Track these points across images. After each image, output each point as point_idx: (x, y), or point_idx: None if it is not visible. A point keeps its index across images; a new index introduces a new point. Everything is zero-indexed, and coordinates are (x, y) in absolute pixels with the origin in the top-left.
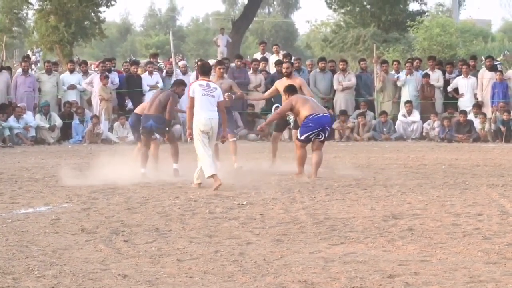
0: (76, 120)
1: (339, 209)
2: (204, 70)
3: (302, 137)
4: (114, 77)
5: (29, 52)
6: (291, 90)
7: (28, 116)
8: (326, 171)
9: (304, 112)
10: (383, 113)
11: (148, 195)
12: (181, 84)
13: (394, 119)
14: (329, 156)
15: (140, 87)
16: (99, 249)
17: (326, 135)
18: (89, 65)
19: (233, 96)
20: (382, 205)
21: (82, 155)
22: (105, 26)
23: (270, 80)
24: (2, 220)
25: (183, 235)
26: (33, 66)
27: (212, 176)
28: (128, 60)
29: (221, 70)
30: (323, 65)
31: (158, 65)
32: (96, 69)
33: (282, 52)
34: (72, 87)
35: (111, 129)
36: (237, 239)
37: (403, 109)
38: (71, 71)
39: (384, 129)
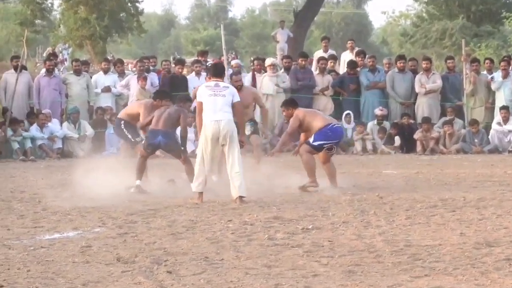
0: (110, 129)
1: (423, 235)
2: (216, 72)
3: (316, 143)
4: (154, 78)
5: (55, 49)
6: (293, 103)
7: (54, 124)
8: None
9: (317, 125)
10: (474, 121)
11: (195, 218)
12: (187, 100)
13: (487, 128)
14: (410, 172)
15: (185, 90)
16: (137, 281)
17: (335, 149)
18: (125, 64)
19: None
20: (473, 230)
21: (117, 170)
22: (144, 19)
23: (339, 82)
24: (23, 248)
25: (238, 265)
26: (59, 65)
27: (196, 194)
28: (172, 58)
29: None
30: (402, 64)
31: (207, 64)
32: (134, 69)
33: (356, 49)
34: (105, 90)
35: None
36: (301, 270)
37: (498, 116)
38: (105, 71)
39: (476, 140)
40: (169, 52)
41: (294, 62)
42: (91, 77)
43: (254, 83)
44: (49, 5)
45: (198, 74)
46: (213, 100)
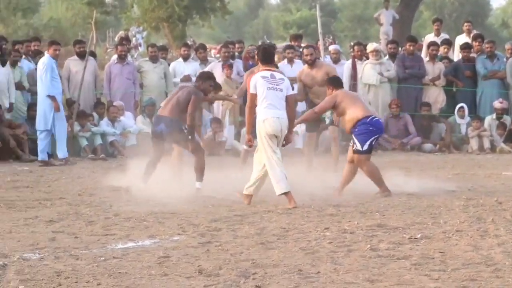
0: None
1: None
2: (266, 57)
3: (366, 146)
4: (240, 66)
5: (128, 33)
6: (335, 82)
7: (127, 118)
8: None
9: (355, 113)
10: None
11: (288, 225)
12: (208, 78)
13: None
14: None
15: None
16: None
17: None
18: (208, 50)
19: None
20: None
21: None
22: None
23: (452, 70)
24: (92, 258)
25: (336, 280)
26: (132, 51)
27: (284, 194)
28: (261, 43)
29: (308, 57)
30: None
31: (300, 50)
32: (218, 55)
33: (473, 32)
34: (185, 79)
35: (238, 136)
36: (409, 285)
37: None
38: (185, 58)
39: None
40: (257, 36)
41: (401, 48)
42: (169, 65)
43: (354, 71)
44: None
45: (290, 61)
46: (273, 95)
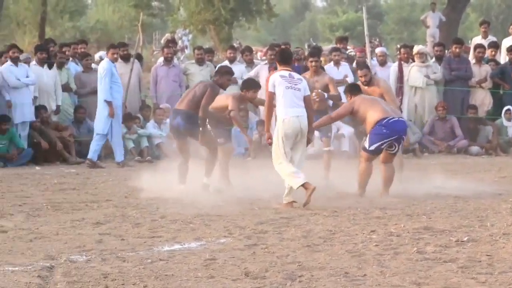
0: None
1: None
2: (284, 58)
3: (373, 147)
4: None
5: (174, 36)
6: (353, 90)
7: None
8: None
9: (373, 115)
10: None
11: (334, 228)
12: (226, 73)
13: None
14: None
15: None
16: None
17: (400, 146)
18: (254, 52)
19: (325, 95)
20: None
21: (245, 173)
22: (275, 1)
23: (499, 72)
24: (139, 260)
25: (382, 282)
26: (179, 53)
27: (302, 185)
28: (307, 46)
29: (313, 63)
30: None
31: (347, 52)
32: (264, 58)
33: None
34: (231, 81)
35: None
36: None
37: None
38: (231, 60)
39: None
40: (304, 38)
41: (448, 50)
42: (215, 67)
43: (400, 74)
44: None
45: (337, 63)
46: (292, 94)
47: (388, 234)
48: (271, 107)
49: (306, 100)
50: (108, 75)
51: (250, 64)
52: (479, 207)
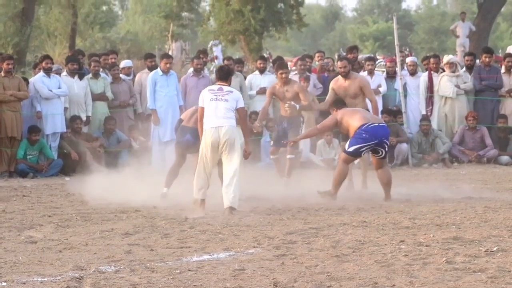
0: (266, 137)
1: None
2: (221, 75)
3: (351, 149)
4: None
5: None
6: (338, 103)
7: None
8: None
9: (355, 122)
10: None
11: (363, 238)
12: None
13: None
14: None
15: None
16: None
17: (386, 150)
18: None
19: (297, 106)
20: None
21: (274, 183)
22: (306, 11)
23: None
24: (168, 270)
25: None
26: (209, 64)
27: (197, 201)
28: (337, 56)
29: (283, 75)
30: None
31: (377, 62)
32: (294, 68)
33: None
34: (261, 92)
35: (313, 148)
36: None
37: None
38: (261, 71)
39: None
40: (334, 48)
41: (478, 60)
42: (245, 78)
43: (430, 83)
44: None
45: (370, 73)
46: (215, 105)
47: (417, 244)
48: (202, 121)
49: (239, 112)
50: (152, 84)
51: None
52: (509, 217)
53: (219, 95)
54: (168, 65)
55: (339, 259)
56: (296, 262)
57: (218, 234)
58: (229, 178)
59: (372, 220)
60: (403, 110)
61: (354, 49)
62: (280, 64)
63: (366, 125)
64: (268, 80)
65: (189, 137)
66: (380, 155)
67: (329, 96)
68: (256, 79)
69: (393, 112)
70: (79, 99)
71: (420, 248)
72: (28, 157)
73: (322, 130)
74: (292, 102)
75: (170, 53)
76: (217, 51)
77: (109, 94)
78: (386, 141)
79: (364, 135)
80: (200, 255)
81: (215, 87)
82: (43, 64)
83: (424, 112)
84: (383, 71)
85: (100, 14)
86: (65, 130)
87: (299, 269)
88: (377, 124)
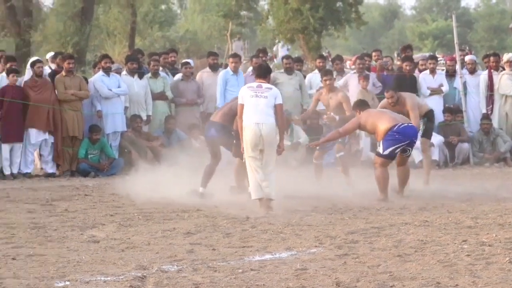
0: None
1: None
2: (260, 73)
3: (386, 152)
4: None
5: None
6: (360, 105)
7: None
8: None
9: (384, 124)
10: None
11: (425, 238)
12: None
13: None
14: None
15: (414, 90)
16: None
17: (412, 150)
18: (343, 61)
19: (336, 117)
20: None
21: (334, 183)
22: (364, 9)
23: None
24: (230, 270)
25: None
26: (268, 62)
27: (258, 199)
28: (396, 54)
29: (327, 82)
30: None
31: (437, 60)
32: (353, 66)
33: None
34: None
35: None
36: None
37: None
38: (320, 69)
39: None
40: (393, 47)
41: None
42: (304, 77)
43: (490, 82)
44: None
45: (432, 72)
46: (255, 102)
47: (480, 244)
48: (241, 118)
49: (277, 109)
50: (222, 82)
51: (340, 72)
52: None
53: (259, 92)
54: (234, 65)
55: (402, 258)
56: (358, 262)
57: (280, 233)
58: (266, 175)
59: (434, 219)
60: (463, 108)
61: (408, 48)
62: (324, 71)
63: (397, 126)
64: None
65: (213, 132)
66: (407, 154)
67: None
68: (316, 78)
69: (453, 111)
70: (139, 98)
71: (482, 247)
72: (89, 156)
73: (344, 134)
74: (332, 113)
75: (230, 52)
76: (282, 51)
77: (169, 94)
78: (415, 140)
79: (396, 136)
80: (262, 255)
81: (254, 84)
82: (102, 63)
83: (484, 111)
84: (443, 70)
85: (159, 13)
86: (125, 129)
87: (362, 268)
88: (406, 124)
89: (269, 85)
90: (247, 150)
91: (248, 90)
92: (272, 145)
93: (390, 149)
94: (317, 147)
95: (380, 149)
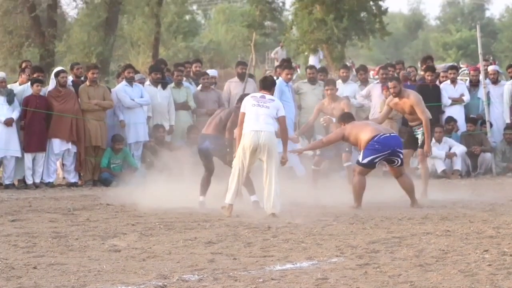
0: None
1: None
2: (265, 85)
3: (365, 160)
4: None
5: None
6: (345, 118)
7: None
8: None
9: (366, 135)
10: None
11: (447, 247)
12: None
13: None
14: None
15: (437, 100)
16: None
17: (401, 159)
18: (367, 71)
19: (333, 119)
20: None
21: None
22: (388, 19)
23: None
24: (251, 280)
25: None
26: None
27: (226, 205)
28: (420, 64)
29: (329, 92)
30: None
31: (460, 71)
32: (376, 76)
33: None
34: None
35: None
36: None
37: None
38: (344, 79)
39: None
40: (416, 57)
41: None
42: None
43: None
44: (280, 4)
45: (453, 82)
46: (256, 110)
47: (501, 253)
48: (242, 126)
49: (280, 121)
50: (277, 93)
51: (364, 82)
52: None
53: (261, 102)
54: (289, 76)
55: (423, 268)
56: (379, 272)
57: (301, 243)
58: (267, 186)
59: (455, 229)
60: (486, 119)
61: (428, 59)
62: (327, 81)
63: (378, 136)
64: (351, 89)
65: (208, 144)
66: (396, 164)
67: (383, 112)
68: (339, 88)
69: (475, 121)
70: (162, 108)
71: (504, 257)
72: (111, 165)
73: (327, 143)
74: (328, 116)
75: (253, 62)
76: (282, 55)
77: (192, 103)
78: (400, 151)
79: (376, 146)
80: (283, 264)
81: (258, 94)
82: (125, 73)
83: (508, 121)
84: (467, 80)
85: (183, 24)
86: (147, 139)
87: (382, 278)
88: (388, 135)
89: (272, 97)
90: (244, 155)
91: (251, 99)
92: (273, 155)
93: (369, 158)
94: (317, 152)
95: (359, 158)
